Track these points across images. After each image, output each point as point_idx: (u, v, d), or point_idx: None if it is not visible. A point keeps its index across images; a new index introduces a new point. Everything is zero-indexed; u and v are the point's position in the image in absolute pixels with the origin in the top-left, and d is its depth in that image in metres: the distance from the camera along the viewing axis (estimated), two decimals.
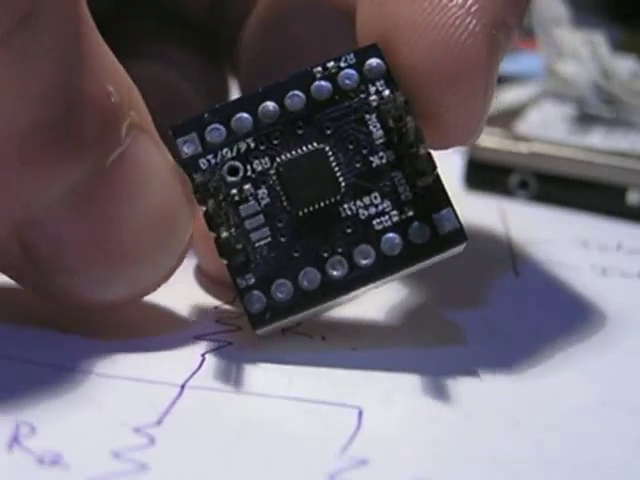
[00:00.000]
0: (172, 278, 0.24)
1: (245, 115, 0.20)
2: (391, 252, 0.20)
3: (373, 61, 0.21)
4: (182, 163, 0.20)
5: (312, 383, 0.20)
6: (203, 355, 0.21)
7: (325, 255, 0.20)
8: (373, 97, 0.21)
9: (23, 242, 0.19)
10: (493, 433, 0.19)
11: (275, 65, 0.26)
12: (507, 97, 0.39)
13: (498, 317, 0.24)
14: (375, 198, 0.20)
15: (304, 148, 0.20)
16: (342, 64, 0.21)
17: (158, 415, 0.18)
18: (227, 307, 0.23)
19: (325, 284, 0.20)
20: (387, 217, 0.20)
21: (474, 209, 0.31)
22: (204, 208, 0.20)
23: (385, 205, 0.20)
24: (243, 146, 0.20)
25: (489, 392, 0.20)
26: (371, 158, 0.21)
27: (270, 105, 0.20)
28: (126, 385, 0.19)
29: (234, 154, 0.20)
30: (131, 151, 0.20)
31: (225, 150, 0.20)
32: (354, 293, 0.21)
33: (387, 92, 0.20)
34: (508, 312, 0.24)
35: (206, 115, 0.20)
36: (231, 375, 0.20)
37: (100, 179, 0.19)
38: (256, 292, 0.20)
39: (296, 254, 0.20)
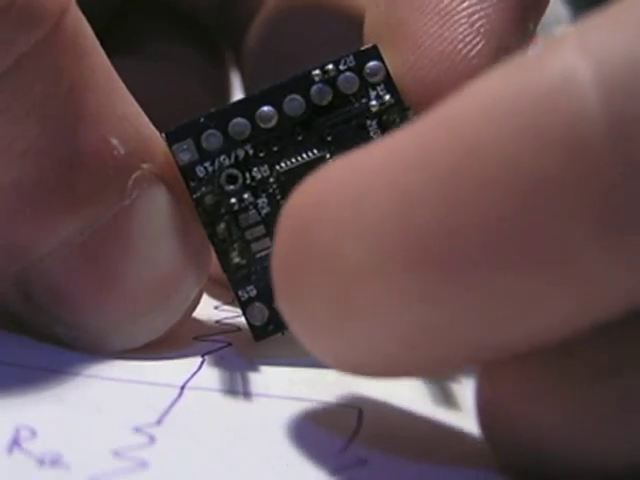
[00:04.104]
0: None
1: (242, 120, 0.20)
2: None
3: (373, 64, 0.20)
4: (179, 170, 0.20)
5: (312, 383, 0.20)
6: (203, 356, 0.21)
7: None
8: (374, 102, 0.20)
9: (23, 292, 0.19)
10: None
11: (279, 67, 0.26)
12: None
13: None
14: None
15: (304, 156, 0.20)
16: (341, 67, 0.20)
17: (158, 415, 0.18)
18: (227, 307, 0.23)
19: None
20: None
21: None
22: (203, 219, 0.20)
23: None
24: (241, 153, 0.20)
25: None
26: None
27: (268, 110, 0.20)
28: (126, 387, 0.19)
29: (232, 161, 0.20)
30: (138, 205, 0.19)
31: (223, 157, 0.20)
32: None
33: (388, 97, 0.20)
34: None
35: (202, 120, 0.20)
36: (231, 376, 0.20)
37: (100, 233, 0.19)
38: (258, 304, 0.20)
39: None
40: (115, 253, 0.19)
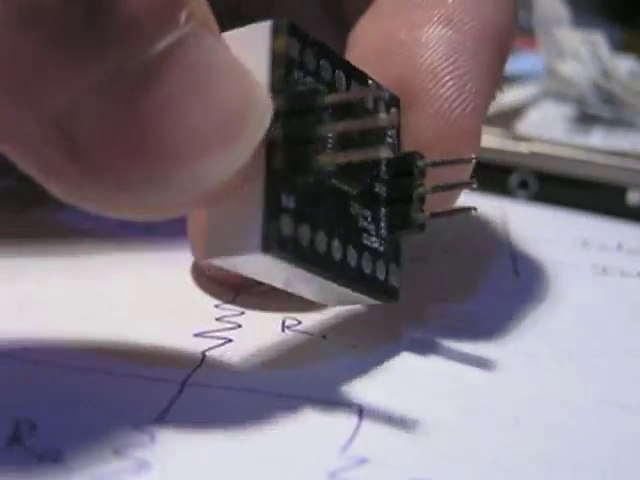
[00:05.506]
0: (172, 277, 0.24)
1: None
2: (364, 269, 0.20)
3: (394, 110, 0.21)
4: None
5: (312, 382, 0.20)
6: (203, 353, 0.21)
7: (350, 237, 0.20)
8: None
9: (64, 134, 0.17)
10: (493, 433, 0.19)
11: None
12: (507, 97, 0.39)
13: (498, 317, 0.24)
14: (368, 216, 0.21)
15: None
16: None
17: (159, 412, 0.18)
18: (227, 306, 0.23)
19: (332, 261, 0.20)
20: (372, 238, 0.21)
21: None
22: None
23: (372, 227, 0.21)
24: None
25: (489, 392, 0.20)
26: (375, 182, 0.21)
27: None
28: (127, 383, 0.19)
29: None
30: (191, 41, 0.17)
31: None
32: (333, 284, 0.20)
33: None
34: (508, 312, 0.24)
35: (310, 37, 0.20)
36: (231, 373, 0.20)
37: (151, 65, 0.17)
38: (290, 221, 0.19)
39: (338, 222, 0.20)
40: (169, 85, 0.17)
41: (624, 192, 0.33)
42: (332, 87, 0.20)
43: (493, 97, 0.23)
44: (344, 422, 0.19)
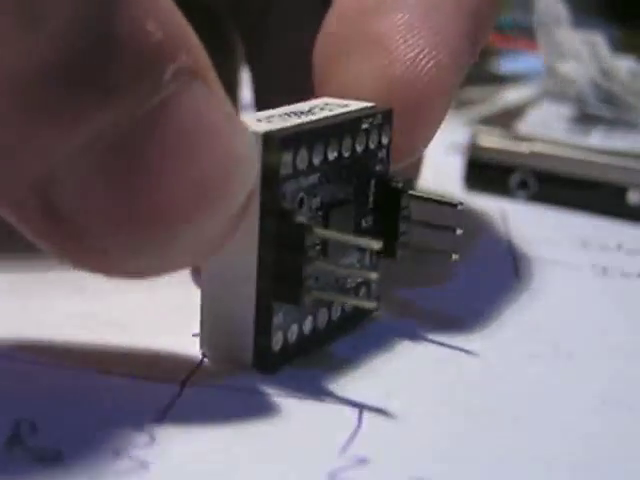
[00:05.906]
0: (172, 277, 0.24)
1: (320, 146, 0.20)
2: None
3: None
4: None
5: (312, 382, 0.20)
6: (203, 352, 0.21)
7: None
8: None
9: (45, 201, 0.17)
10: (493, 432, 0.19)
11: (296, 65, 0.26)
12: (507, 97, 0.39)
13: (498, 317, 0.24)
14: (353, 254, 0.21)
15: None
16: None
17: (158, 413, 0.18)
18: None
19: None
20: (355, 272, 0.22)
21: (474, 209, 0.31)
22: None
23: (354, 261, 0.21)
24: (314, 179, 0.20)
25: (489, 391, 0.20)
26: (361, 219, 0.21)
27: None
28: (127, 383, 0.19)
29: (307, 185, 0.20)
30: (177, 99, 0.17)
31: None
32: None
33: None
34: (508, 312, 0.24)
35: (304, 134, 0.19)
36: (231, 372, 0.20)
37: (133, 129, 0.17)
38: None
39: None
40: (151, 151, 0.17)
41: (624, 192, 0.33)
42: (326, 165, 0.20)
43: (468, 62, 0.23)
44: (344, 422, 0.19)
